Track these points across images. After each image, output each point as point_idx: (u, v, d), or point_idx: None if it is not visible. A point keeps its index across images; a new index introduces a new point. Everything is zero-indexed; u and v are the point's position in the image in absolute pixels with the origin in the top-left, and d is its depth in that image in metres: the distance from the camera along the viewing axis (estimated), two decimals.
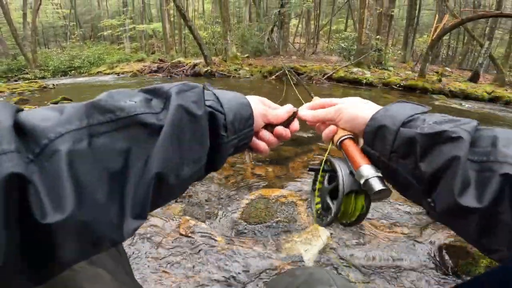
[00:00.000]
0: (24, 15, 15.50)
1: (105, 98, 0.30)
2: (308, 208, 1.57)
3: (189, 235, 1.36)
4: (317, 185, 0.51)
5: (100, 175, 0.26)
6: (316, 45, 16.00)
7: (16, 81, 11.52)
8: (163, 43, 18.09)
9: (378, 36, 9.69)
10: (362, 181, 0.39)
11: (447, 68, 11.62)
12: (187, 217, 1.47)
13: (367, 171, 0.39)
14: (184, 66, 10.55)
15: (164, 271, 1.16)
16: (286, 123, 0.52)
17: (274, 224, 1.44)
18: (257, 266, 1.20)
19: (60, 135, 0.25)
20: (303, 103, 0.58)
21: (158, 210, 1.54)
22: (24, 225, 0.22)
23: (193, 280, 1.12)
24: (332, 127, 0.49)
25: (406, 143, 0.37)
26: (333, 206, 0.45)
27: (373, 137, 0.41)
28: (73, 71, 14.71)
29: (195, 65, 10.33)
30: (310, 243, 1.31)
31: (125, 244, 1.29)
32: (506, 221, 0.29)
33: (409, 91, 6.89)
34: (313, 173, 0.53)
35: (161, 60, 12.49)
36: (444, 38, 11.53)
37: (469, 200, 0.30)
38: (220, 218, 1.51)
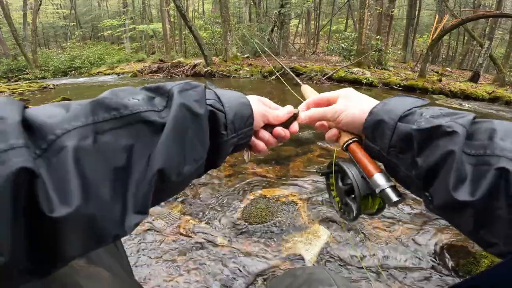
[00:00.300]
0: (25, 15, 15.53)
1: (109, 96, 0.31)
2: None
3: (190, 235, 1.36)
4: (330, 181, 0.53)
5: (104, 171, 0.27)
6: (316, 45, 16.00)
7: (16, 81, 11.53)
8: (163, 43, 18.10)
9: (378, 36, 9.68)
10: (377, 190, 0.40)
11: (447, 68, 11.61)
12: (188, 217, 1.47)
13: (381, 180, 0.40)
14: (184, 67, 10.56)
15: (164, 271, 1.16)
16: (286, 124, 0.52)
17: (274, 224, 1.44)
18: (257, 266, 1.20)
19: (67, 131, 0.25)
20: (302, 102, 0.58)
21: (159, 209, 1.54)
22: (31, 218, 0.22)
23: (193, 280, 1.12)
24: (334, 131, 0.49)
25: (404, 139, 0.37)
26: (353, 205, 0.47)
27: (372, 132, 0.42)
28: (73, 71, 14.73)
29: (195, 65, 10.33)
30: (311, 243, 1.30)
31: (125, 243, 1.29)
32: (502, 215, 0.29)
33: (409, 91, 6.88)
34: (319, 174, 0.55)
35: (161, 61, 12.50)
36: (444, 38, 11.53)
37: (463, 194, 0.30)
38: (221, 218, 1.51)
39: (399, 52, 12.65)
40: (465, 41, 16.61)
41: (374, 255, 1.27)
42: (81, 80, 10.94)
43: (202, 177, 1.89)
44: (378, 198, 0.45)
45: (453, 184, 0.31)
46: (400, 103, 0.41)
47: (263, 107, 0.49)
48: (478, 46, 11.42)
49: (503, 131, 0.32)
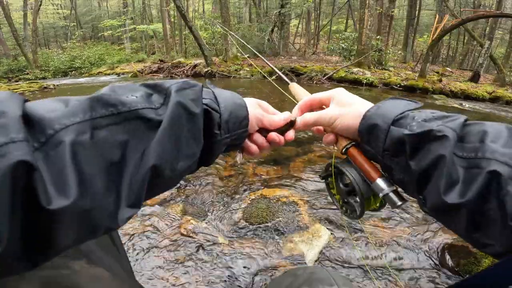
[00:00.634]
0: (25, 15, 15.53)
1: (108, 92, 0.31)
2: (318, 208, 1.57)
3: (190, 235, 1.36)
4: (331, 183, 0.54)
5: (100, 166, 0.27)
6: (316, 46, 16.00)
7: (17, 81, 11.54)
8: (164, 43, 18.11)
9: (378, 36, 9.68)
10: (381, 195, 0.42)
11: (447, 68, 11.61)
12: (188, 217, 1.48)
13: (383, 185, 0.42)
14: (185, 67, 10.57)
15: (164, 271, 1.16)
16: (283, 130, 0.52)
17: (275, 224, 1.44)
18: (258, 266, 1.20)
19: (65, 126, 0.26)
20: (295, 102, 0.57)
21: (159, 210, 1.54)
22: (29, 210, 0.23)
23: (194, 281, 1.12)
24: (331, 137, 0.49)
25: (396, 143, 0.38)
26: (355, 205, 0.48)
27: (367, 135, 0.42)
28: (73, 72, 14.74)
29: (195, 65, 10.34)
30: (312, 243, 1.31)
31: (126, 243, 1.29)
32: (494, 217, 0.29)
33: (409, 91, 6.89)
34: (321, 177, 0.56)
35: (161, 61, 12.50)
36: (444, 38, 11.53)
37: (453, 197, 0.31)
38: (221, 218, 1.51)
39: (399, 52, 12.65)
40: (465, 41, 16.60)
41: (374, 254, 1.27)
42: (81, 80, 10.95)
43: (203, 177, 1.90)
44: (378, 197, 0.45)
45: (444, 188, 0.32)
46: (393, 107, 0.41)
47: (259, 111, 0.49)
48: (478, 46, 11.42)
49: (494, 133, 0.32)
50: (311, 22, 17.10)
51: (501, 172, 0.29)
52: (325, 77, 7.92)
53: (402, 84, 7.09)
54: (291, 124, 0.52)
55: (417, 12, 13.03)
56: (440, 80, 7.26)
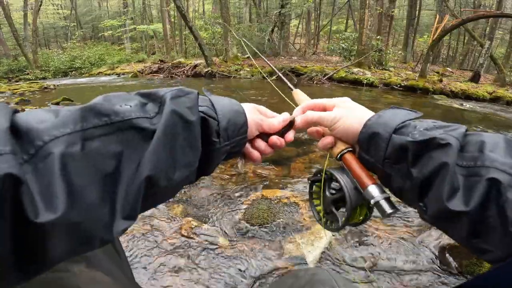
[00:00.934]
0: (25, 15, 15.55)
1: (101, 102, 0.31)
2: (310, 211, 1.57)
3: (191, 236, 1.36)
4: (314, 189, 0.53)
5: (92, 177, 0.27)
6: (316, 46, 16.00)
7: (17, 81, 11.55)
8: (164, 43, 18.12)
9: (378, 37, 9.68)
10: (372, 202, 0.41)
11: (448, 68, 11.61)
12: (189, 218, 1.47)
13: (375, 192, 0.41)
14: (185, 67, 10.56)
15: (165, 273, 1.16)
16: (283, 131, 0.51)
17: (276, 225, 1.44)
18: (259, 267, 1.19)
19: (55, 137, 0.26)
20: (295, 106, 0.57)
21: (160, 211, 1.54)
22: (16, 223, 0.22)
23: (194, 282, 1.12)
24: (330, 139, 0.49)
25: (398, 150, 0.38)
26: (339, 216, 0.47)
27: (367, 144, 0.42)
28: (73, 72, 14.75)
29: (195, 65, 10.34)
30: (313, 244, 1.30)
31: (126, 245, 1.29)
32: (494, 224, 0.30)
33: (410, 92, 6.88)
34: (309, 181, 0.55)
35: (161, 61, 12.51)
36: (444, 38, 11.53)
37: (457, 204, 0.32)
38: (222, 219, 1.51)
39: (400, 52, 12.65)
40: (465, 41, 16.60)
41: (376, 256, 1.26)
42: (81, 80, 10.95)
43: (204, 178, 1.90)
44: (365, 208, 0.46)
45: (447, 194, 0.32)
46: (394, 116, 0.41)
47: (258, 116, 0.49)
48: (478, 46, 11.42)
49: (492, 144, 0.33)
50: (311, 22, 17.10)
51: (500, 180, 0.30)
52: (326, 77, 7.91)
53: (403, 84, 7.09)
54: (290, 125, 0.52)
55: (417, 12, 13.04)
56: (441, 80, 7.26)
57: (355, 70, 8.09)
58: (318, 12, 16.28)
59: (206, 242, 1.32)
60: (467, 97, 6.61)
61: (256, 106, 0.51)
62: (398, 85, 7.12)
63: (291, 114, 0.53)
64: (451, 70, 11.50)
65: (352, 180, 0.44)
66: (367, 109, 0.47)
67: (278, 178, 1.96)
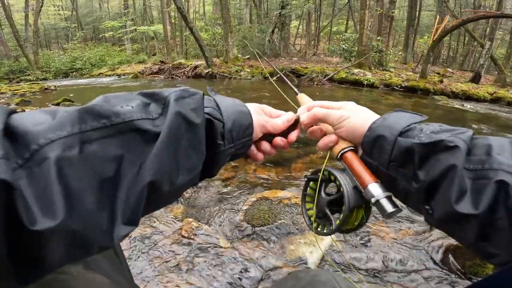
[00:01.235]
0: (26, 16, 15.62)
1: (100, 103, 0.30)
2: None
3: (191, 237, 1.35)
4: (308, 191, 0.52)
5: (91, 182, 0.26)
6: (316, 47, 16.01)
7: (18, 82, 11.58)
8: (164, 44, 18.15)
9: (379, 37, 9.69)
10: (372, 201, 0.39)
11: (448, 69, 11.61)
12: (189, 219, 1.47)
13: (376, 191, 0.39)
14: (185, 68, 10.58)
15: (165, 274, 1.15)
16: (286, 132, 0.51)
17: (277, 226, 1.43)
18: (260, 268, 1.19)
19: (51, 141, 0.25)
20: (296, 108, 0.57)
21: (160, 212, 1.54)
22: (12, 231, 0.22)
23: (195, 283, 1.11)
24: (333, 137, 0.48)
25: (404, 153, 0.38)
26: (333, 219, 0.45)
27: (371, 147, 0.42)
28: (74, 73, 14.79)
29: (196, 66, 10.35)
30: (314, 245, 1.30)
31: (126, 246, 1.29)
32: (502, 227, 0.30)
33: (410, 92, 6.88)
34: (305, 179, 0.53)
35: (162, 62, 12.53)
36: (445, 39, 11.53)
37: (466, 207, 0.31)
38: (223, 220, 1.50)
39: (400, 53, 12.65)
40: (465, 42, 16.61)
41: (378, 257, 1.26)
42: (82, 81, 10.98)
43: (205, 179, 1.89)
44: (361, 212, 0.44)
45: (455, 197, 0.32)
46: (400, 119, 0.41)
47: (262, 117, 0.48)
48: (479, 47, 11.42)
49: (499, 147, 0.33)
50: (311, 23, 17.12)
51: (509, 182, 0.30)
52: (326, 78, 7.92)
53: (403, 85, 7.09)
54: (294, 124, 0.51)
55: (417, 13, 13.06)
56: (441, 81, 7.26)
57: (356, 71, 8.09)
58: (319, 13, 16.31)
59: (207, 243, 1.32)
60: (468, 97, 6.61)
61: (261, 106, 0.50)
62: (399, 86, 7.12)
63: (294, 114, 0.53)
64: (451, 70, 11.51)
65: (352, 180, 0.43)
66: (373, 112, 0.46)
67: (279, 179, 1.95)
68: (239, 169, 2.08)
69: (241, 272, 1.17)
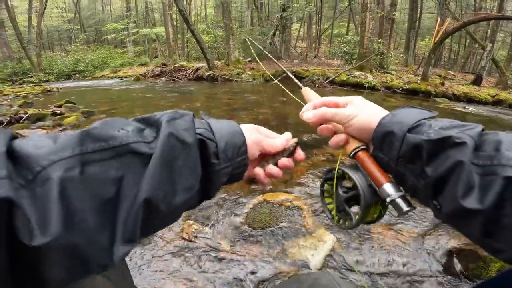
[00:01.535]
0: (30, 18, 15.72)
1: (99, 127, 0.31)
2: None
3: (192, 239, 1.35)
4: (326, 187, 0.53)
5: (91, 201, 0.27)
6: (318, 49, 16.05)
7: (20, 84, 11.66)
8: (166, 47, 18.25)
9: (380, 40, 9.70)
10: (388, 200, 0.40)
11: (449, 71, 11.60)
12: (190, 222, 1.47)
13: (391, 190, 0.41)
14: (187, 70, 10.62)
15: (166, 277, 1.15)
16: (288, 153, 0.50)
17: (279, 229, 1.43)
18: (261, 271, 1.19)
19: (53, 162, 0.26)
20: (303, 105, 0.57)
21: None
22: (12, 247, 0.23)
23: (196, 286, 1.11)
24: (343, 136, 0.48)
25: (412, 149, 0.38)
26: (352, 214, 0.46)
27: (381, 143, 0.42)
28: (77, 75, 14.88)
29: (197, 69, 10.39)
30: (316, 248, 1.30)
31: None
32: (507, 223, 0.30)
33: (412, 95, 6.88)
34: (321, 179, 0.54)
35: (164, 64, 12.58)
36: (446, 41, 11.53)
37: (471, 202, 0.31)
38: (224, 222, 1.50)
39: (401, 55, 12.66)
40: (467, 44, 16.60)
41: (381, 260, 1.25)
42: (84, 83, 11.03)
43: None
44: (379, 207, 0.46)
45: (462, 193, 0.32)
46: (409, 115, 0.41)
47: (257, 136, 0.48)
48: (480, 49, 11.41)
49: (508, 143, 0.33)
50: (312, 26, 17.17)
51: None
52: (327, 81, 7.93)
53: (405, 87, 7.08)
54: (295, 146, 0.51)
55: (418, 15, 13.07)
56: (443, 83, 7.25)
57: (357, 73, 8.09)
58: (320, 15, 16.36)
59: (208, 246, 1.32)
60: (470, 100, 6.60)
61: (256, 126, 0.50)
62: (400, 89, 7.12)
63: (299, 112, 0.53)
64: (453, 73, 11.50)
65: (366, 178, 0.43)
66: (381, 108, 0.46)
67: (280, 181, 1.95)
68: None
69: (242, 275, 1.17)
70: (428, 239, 1.39)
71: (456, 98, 6.66)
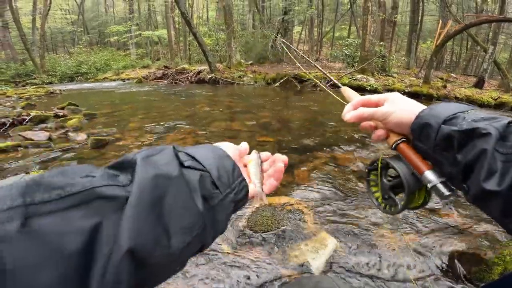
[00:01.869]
0: (34, 20, 15.84)
1: (53, 174, 0.27)
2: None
3: None
4: (371, 177, 0.57)
5: (47, 257, 0.23)
6: (319, 52, 16.08)
7: (23, 86, 11.73)
8: (168, 49, 18.36)
9: (381, 43, 9.71)
10: (429, 186, 0.45)
11: (451, 74, 11.58)
12: None
13: (432, 177, 0.45)
14: (189, 73, 10.67)
15: (167, 280, 1.16)
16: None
17: (280, 232, 1.43)
18: (263, 275, 1.19)
19: None
20: (345, 104, 0.60)
21: None
22: None
23: None
24: (383, 131, 0.52)
25: (446, 139, 0.43)
26: (398, 201, 0.51)
27: (419, 133, 0.46)
28: (79, 77, 14.96)
29: (199, 72, 10.43)
30: (318, 252, 1.30)
31: None
32: None
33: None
34: (366, 170, 0.58)
35: (166, 67, 12.65)
36: (447, 43, 11.53)
37: (491, 185, 0.36)
38: None
39: (403, 58, 12.66)
40: (468, 46, 16.59)
41: (382, 263, 1.25)
42: (87, 85, 11.10)
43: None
44: (423, 193, 0.50)
45: (484, 176, 0.37)
46: (445, 109, 0.45)
47: (235, 152, 0.48)
48: (482, 51, 11.39)
49: None
50: (314, 29, 17.22)
51: None
52: (329, 84, 7.93)
53: (407, 90, 7.08)
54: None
55: (420, 18, 13.07)
56: (445, 86, 7.24)
57: (359, 76, 8.11)
58: (321, 18, 16.41)
59: (209, 249, 1.32)
60: (472, 103, 6.58)
61: (230, 144, 0.49)
62: (402, 92, 7.10)
63: (341, 114, 0.56)
64: (455, 75, 11.48)
65: (408, 167, 0.48)
66: (417, 102, 0.51)
67: (282, 185, 1.95)
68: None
69: (243, 278, 1.17)
70: (431, 242, 1.39)
71: (458, 101, 6.65)
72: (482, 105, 6.49)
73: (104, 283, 0.25)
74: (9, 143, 2.90)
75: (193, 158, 0.37)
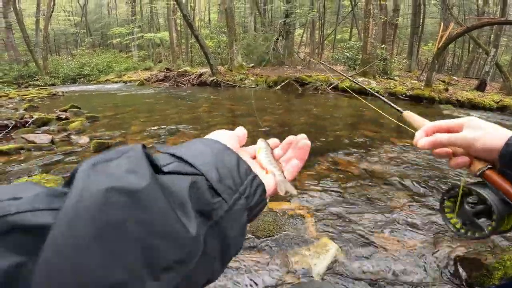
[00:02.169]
0: (37, 21, 15.98)
1: None
2: (324, 220, 1.57)
3: None
4: (446, 204, 0.57)
5: None
6: (321, 55, 16.11)
7: (26, 87, 11.81)
8: (170, 52, 18.44)
9: (383, 45, 9.73)
10: None
11: (453, 77, 11.57)
12: None
13: None
14: (190, 76, 10.71)
15: None
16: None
17: (282, 237, 1.44)
18: (264, 280, 1.19)
19: None
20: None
21: None
22: None
23: None
24: (465, 158, 0.51)
25: None
26: (484, 226, 0.52)
27: (509, 161, 0.45)
28: (82, 79, 15.04)
29: (201, 74, 10.47)
30: (319, 257, 1.30)
31: None
32: None
33: (415, 101, 6.86)
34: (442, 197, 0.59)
35: (167, 69, 12.71)
36: (449, 46, 11.52)
37: None
38: None
39: (404, 61, 12.66)
40: (470, 49, 16.58)
41: (383, 268, 1.25)
42: (89, 87, 11.17)
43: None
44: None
45: None
46: None
47: (236, 141, 0.37)
48: (483, 54, 11.38)
49: None
50: (315, 32, 17.27)
51: None
52: (330, 87, 7.94)
53: (408, 93, 7.08)
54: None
55: (421, 21, 13.09)
56: (447, 89, 7.24)
57: (360, 79, 8.11)
58: (322, 21, 16.46)
59: None
60: (474, 106, 6.57)
61: (226, 131, 0.38)
62: (404, 95, 7.11)
63: (413, 141, 0.56)
64: (456, 78, 11.47)
65: (496, 193, 0.48)
66: (502, 128, 0.49)
67: None
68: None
69: (245, 283, 1.17)
70: (432, 247, 1.38)
71: (460, 104, 6.64)
72: (484, 108, 6.47)
73: None
74: (11, 145, 2.92)
75: (180, 158, 0.28)
